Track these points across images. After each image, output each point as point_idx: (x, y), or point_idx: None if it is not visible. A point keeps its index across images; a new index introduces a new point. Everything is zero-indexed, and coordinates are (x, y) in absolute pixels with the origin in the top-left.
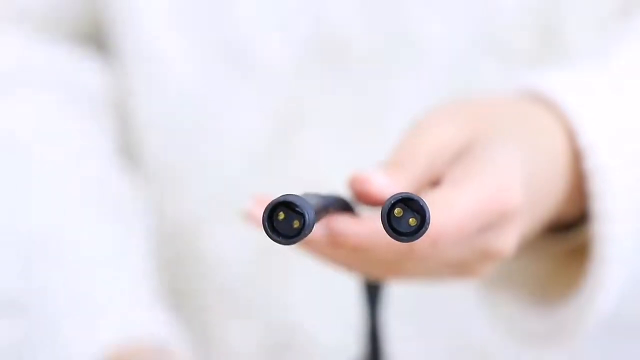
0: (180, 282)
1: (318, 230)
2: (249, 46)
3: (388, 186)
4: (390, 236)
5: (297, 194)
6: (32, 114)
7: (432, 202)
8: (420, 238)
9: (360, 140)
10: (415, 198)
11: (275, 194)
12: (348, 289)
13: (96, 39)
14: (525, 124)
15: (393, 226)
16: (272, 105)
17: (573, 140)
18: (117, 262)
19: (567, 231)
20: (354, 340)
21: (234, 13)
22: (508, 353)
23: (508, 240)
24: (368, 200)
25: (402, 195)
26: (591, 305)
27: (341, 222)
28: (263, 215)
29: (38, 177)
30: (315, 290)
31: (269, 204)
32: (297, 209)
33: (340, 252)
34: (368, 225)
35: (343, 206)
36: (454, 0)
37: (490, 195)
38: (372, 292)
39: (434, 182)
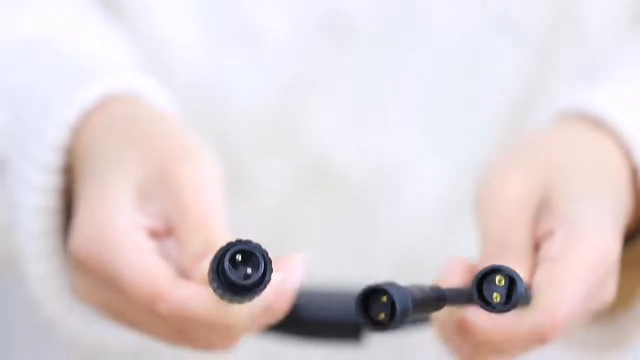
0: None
1: (450, 319)
2: (257, 24)
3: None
4: (483, 308)
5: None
6: None
7: (541, 289)
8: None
9: (367, 117)
10: (504, 269)
11: None
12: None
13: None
14: (590, 157)
15: (486, 299)
16: (279, 83)
17: (629, 159)
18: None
19: (624, 243)
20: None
21: None
22: None
23: (611, 288)
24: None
25: (493, 267)
26: None
27: (471, 314)
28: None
29: None
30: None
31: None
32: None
33: (468, 341)
34: (498, 317)
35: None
36: None
37: (596, 262)
38: None
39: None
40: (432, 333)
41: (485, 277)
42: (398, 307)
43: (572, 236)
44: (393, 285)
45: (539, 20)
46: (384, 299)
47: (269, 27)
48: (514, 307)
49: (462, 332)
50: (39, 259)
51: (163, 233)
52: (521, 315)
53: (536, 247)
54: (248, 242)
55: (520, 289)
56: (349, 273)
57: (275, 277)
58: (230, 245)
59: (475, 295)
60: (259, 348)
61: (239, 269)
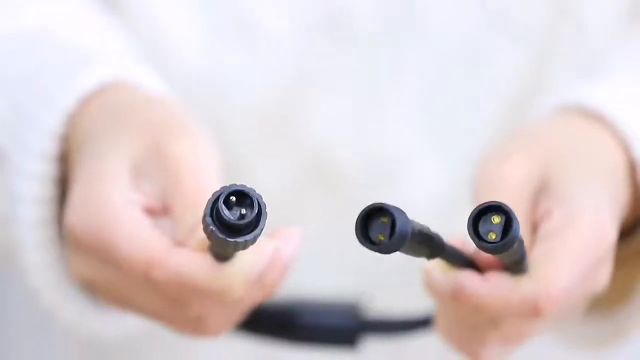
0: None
1: (445, 282)
2: (258, 24)
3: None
4: (479, 246)
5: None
6: None
7: (538, 262)
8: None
9: (367, 116)
10: (502, 205)
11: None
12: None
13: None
14: (589, 147)
15: (481, 236)
16: (279, 82)
17: (627, 153)
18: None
19: (622, 237)
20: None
21: None
22: None
23: (606, 273)
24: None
25: (489, 204)
26: None
27: (466, 277)
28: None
29: None
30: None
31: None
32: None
33: (462, 307)
34: (494, 283)
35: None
36: None
37: (593, 241)
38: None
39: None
40: (433, 337)
41: (481, 215)
42: (398, 225)
43: (571, 215)
44: (396, 207)
45: (539, 20)
46: (385, 219)
47: (269, 27)
48: (509, 245)
49: (457, 298)
50: (37, 248)
51: (159, 211)
52: (516, 283)
53: (534, 229)
54: (242, 185)
55: (515, 227)
56: (347, 270)
57: (269, 243)
58: (224, 188)
59: (471, 231)
60: (256, 352)
61: (234, 210)
